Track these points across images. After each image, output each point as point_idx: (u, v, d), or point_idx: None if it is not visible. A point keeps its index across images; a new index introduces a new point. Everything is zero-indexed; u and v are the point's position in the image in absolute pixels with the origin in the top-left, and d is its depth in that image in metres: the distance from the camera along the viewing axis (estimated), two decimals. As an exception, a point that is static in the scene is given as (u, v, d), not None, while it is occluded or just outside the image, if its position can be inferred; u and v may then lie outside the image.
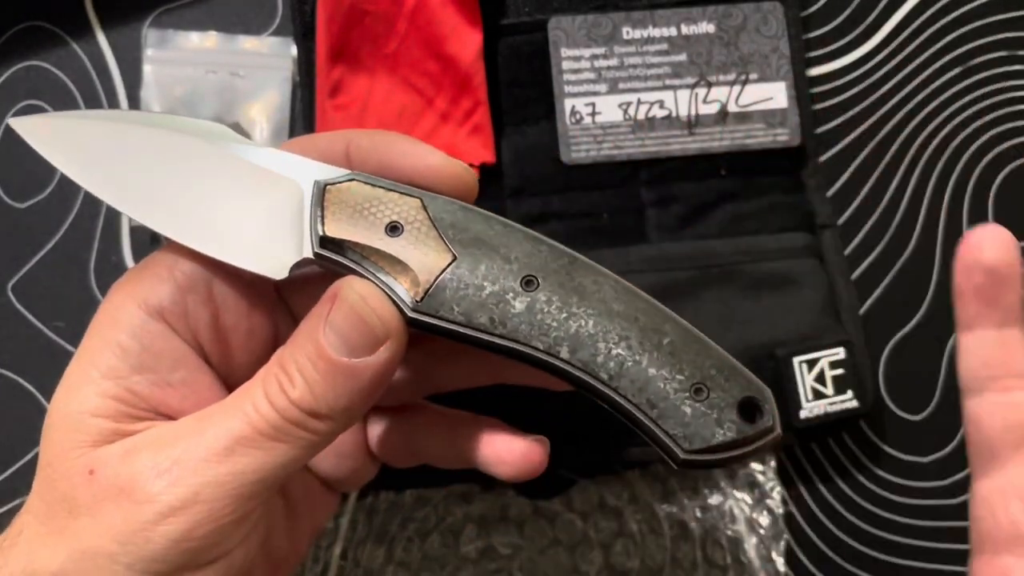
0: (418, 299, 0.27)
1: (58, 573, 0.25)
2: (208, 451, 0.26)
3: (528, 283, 0.27)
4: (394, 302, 0.27)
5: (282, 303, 0.31)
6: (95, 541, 0.25)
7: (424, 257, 0.27)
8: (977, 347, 0.27)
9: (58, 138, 0.29)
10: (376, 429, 0.34)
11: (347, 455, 0.33)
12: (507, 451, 0.30)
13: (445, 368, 0.33)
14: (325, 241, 0.27)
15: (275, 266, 0.28)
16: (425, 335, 0.28)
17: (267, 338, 0.30)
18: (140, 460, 0.26)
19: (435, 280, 0.27)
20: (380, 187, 0.28)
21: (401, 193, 0.28)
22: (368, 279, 0.27)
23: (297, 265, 0.28)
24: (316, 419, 0.26)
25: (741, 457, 0.27)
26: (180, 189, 0.28)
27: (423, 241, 0.27)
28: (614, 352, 0.27)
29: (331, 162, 0.29)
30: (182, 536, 0.25)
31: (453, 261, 0.27)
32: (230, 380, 0.30)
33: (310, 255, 0.28)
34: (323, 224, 0.27)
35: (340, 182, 0.28)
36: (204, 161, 0.28)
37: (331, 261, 0.28)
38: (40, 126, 0.29)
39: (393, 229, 0.27)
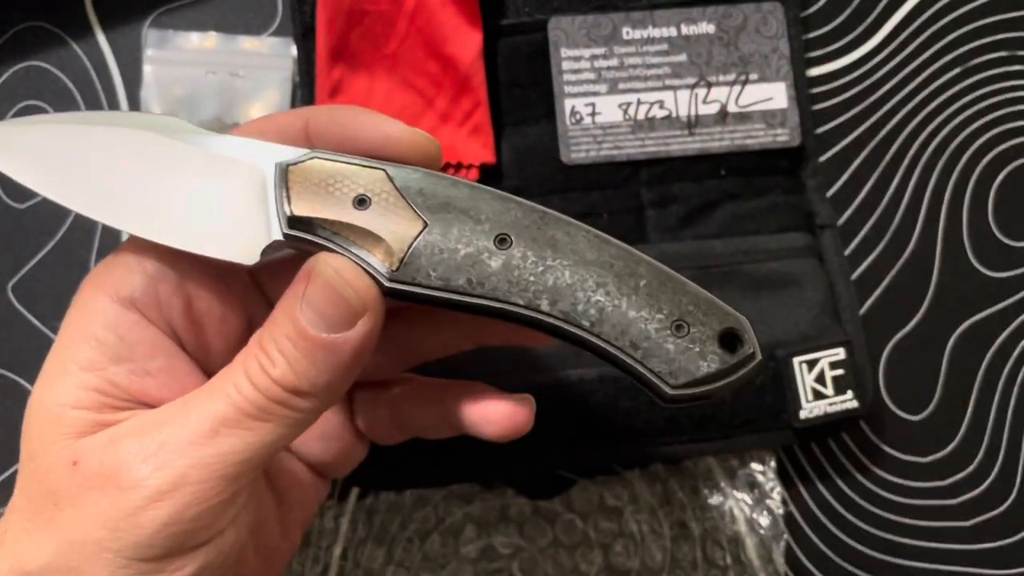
0: (394, 268, 0.27)
1: (46, 567, 0.25)
2: (193, 434, 0.25)
3: (502, 241, 0.27)
4: (370, 274, 0.27)
5: (255, 287, 0.31)
6: (83, 530, 0.25)
7: (395, 227, 0.27)
8: None
9: (7, 145, 0.28)
10: (362, 407, 0.33)
11: (333, 436, 0.33)
12: (493, 411, 0.30)
13: (426, 337, 0.32)
14: (293, 221, 0.27)
15: (245, 252, 0.28)
16: (403, 305, 0.28)
17: (242, 322, 0.30)
18: (125, 447, 0.26)
19: (409, 248, 0.27)
20: (342, 162, 0.28)
21: (364, 166, 0.28)
22: (341, 254, 0.27)
23: (268, 248, 0.28)
24: (299, 397, 0.26)
25: (727, 387, 0.27)
26: (140, 185, 0.28)
27: (392, 211, 0.27)
28: (593, 299, 0.27)
29: (289, 141, 0.29)
30: (171, 519, 0.25)
31: (425, 228, 0.27)
32: (207, 366, 0.30)
33: (280, 237, 0.28)
34: (289, 204, 0.27)
35: (301, 161, 0.28)
36: (161, 155, 0.28)
37: (302, 240, 0.28)
38: None
39: (361, 202, 0.27)
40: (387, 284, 0.27)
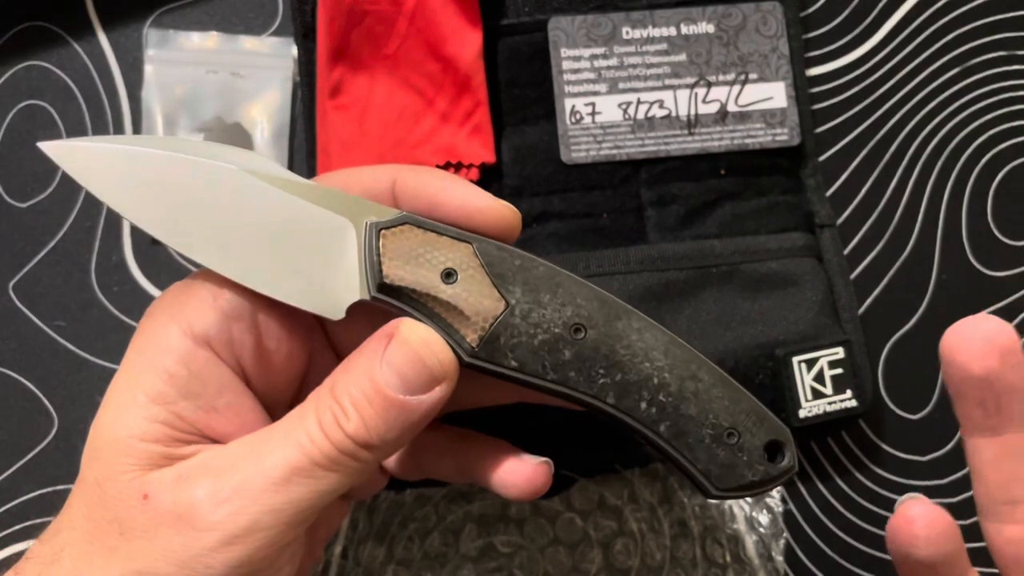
0: (475, 346, 0.28)
1: None
2: (266, 480, 0.26)
3: (576, 330, 0.28)
4: (450, 346, 0.28)
5: (319, 326, 0.31)
6: (151, 563, 0.26)
7: (479, 305, 0.28)
8: (991, 461, 0.26)
9: (97, 166, 0.28)
10: None
11: None
12: (513, 473, 0.31)
13: (471, 391, 0.33)
14: (383, 286, 0.28)
15: (331, 307, 0.28)
16: None
17: (305, 361, 0.31)
18: (199, 487, 0.26)
19: (490, 328, 0.28)
20: (432, 231, 0.28)
21: (453, 238, 0.28)
22: (425, 323, 0.28)
23: (352, 306, 0.28)
24: (366, 450, 0.27)
25: (764, 492, 0.29)
26: (229, 225, 0.28)
27: (477, 288, 0.28)
28: (656, 399, 0.28)
29: (375, 197, 0.29)
30: (241, 562, 0.26)
31: (506, 308, 0.28)
32: (268, 401, 0.30)
33: (367, 298, 0.28)
34: (381, 269, 0.28)
35: (395, 225, 0.28)
36: (254, 196, 0.28)
37: (388, 304, 0.28)
38: (78, 155, 0.28)
39: (448, 275, 0.28)
40: (467, 359, 0.28)
